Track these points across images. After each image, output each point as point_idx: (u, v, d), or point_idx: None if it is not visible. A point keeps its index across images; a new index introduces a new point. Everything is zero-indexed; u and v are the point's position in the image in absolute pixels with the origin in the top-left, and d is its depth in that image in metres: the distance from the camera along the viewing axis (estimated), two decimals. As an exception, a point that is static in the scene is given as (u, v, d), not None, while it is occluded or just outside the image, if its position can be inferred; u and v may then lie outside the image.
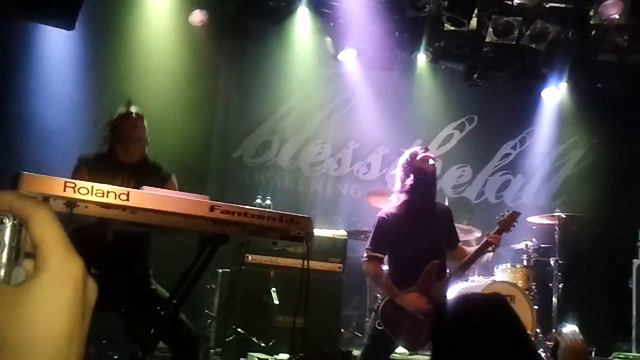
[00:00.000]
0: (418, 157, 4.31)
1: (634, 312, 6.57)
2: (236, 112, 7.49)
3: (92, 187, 2.68)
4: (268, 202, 6.01)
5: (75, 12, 5.82)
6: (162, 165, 3.86)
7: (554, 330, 6.49)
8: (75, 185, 2.68)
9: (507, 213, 4.48)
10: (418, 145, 4.55)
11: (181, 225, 2.84)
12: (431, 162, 4.32)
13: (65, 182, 2.66)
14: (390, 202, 4.56)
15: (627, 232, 6.99)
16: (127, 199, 2.72)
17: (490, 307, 1.73)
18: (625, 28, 7.07)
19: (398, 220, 4.26)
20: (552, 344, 2.17)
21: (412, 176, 4.28)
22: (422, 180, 4.28)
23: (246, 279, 5.49)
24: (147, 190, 2.83)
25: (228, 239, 2.96)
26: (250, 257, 5.49)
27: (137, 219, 2.80)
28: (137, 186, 3.62)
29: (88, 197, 2.68)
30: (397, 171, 4.42)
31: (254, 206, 5.86)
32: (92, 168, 3.64)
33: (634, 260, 6.69)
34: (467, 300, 1.80)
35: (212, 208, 2.85)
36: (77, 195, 2.66)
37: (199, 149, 7.05)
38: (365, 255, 4.29)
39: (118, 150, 3.70)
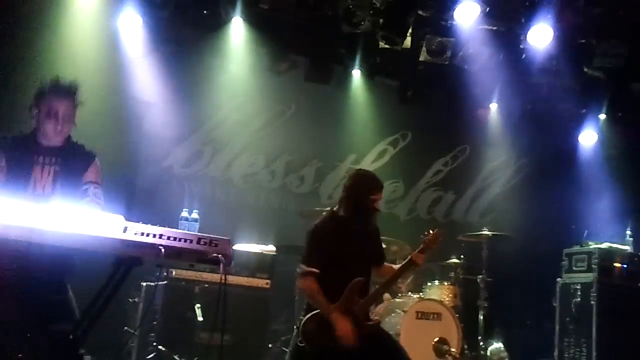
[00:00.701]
0: (370, 197, 4.26)
1: (557, 330, 6.72)
2: (167, 120, 7.29)
3: (-5, 204, 2.53)
4: (195, 215, 5.86)
5: None
6: (85, 145, 3.66)
7: (481, 347, 6.58)
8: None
9: (431, 232, 4.49)
10: (371, 178, 4.39)
11: (92, 247, 2.71)
12: (378, 208, 4.33)
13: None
14: (324, 217, 4.52)
15: (552, 251, 7.15)
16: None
17: None
18: (555, 53, 7.27)
19: (331, 237, 4.23)
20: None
21: (355, 207, 4.26)
22: (364, 212, 4.29)
23: (169, 294, 5.36)
24: (57, 207, 2.69)
25: (142, 261, 2.85)
26: (174, 272, 5.36)
27: (44, 240, 2.65)
28: (60, 170, 3.45)
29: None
30: (349, 189, 4.35)
31: (181, 219, 5.78)
32: (10, 151, 3.42)
33: (558, 280, 6.85)
34: None
35: (125, 229, 2.73)
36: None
37: (128, 157, 6.84)
38: (299, 271, 4.23)
39: (41, 131, 3.48)
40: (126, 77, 6.92)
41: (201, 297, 5.36)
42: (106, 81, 6.67)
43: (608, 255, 6.58)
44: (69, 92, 3.54)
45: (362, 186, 4.32)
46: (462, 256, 7.00)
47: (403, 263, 4.42)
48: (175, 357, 5.15)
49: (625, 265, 6.60)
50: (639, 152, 8.26)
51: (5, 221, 2.52)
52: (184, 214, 5.86)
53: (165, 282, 5.45)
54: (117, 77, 6.83)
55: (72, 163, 3.52)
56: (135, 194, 6.93)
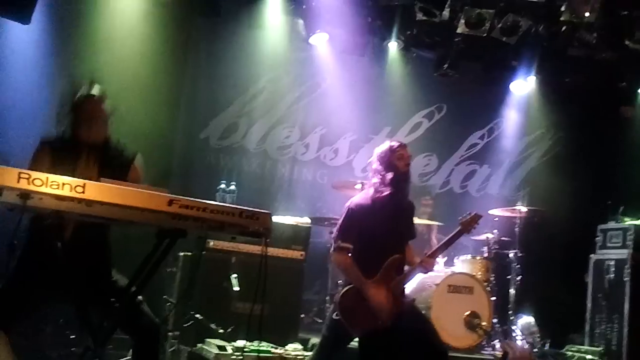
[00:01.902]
0: (397, 155, 4.28)
1: (589, 306, 6.72)
2: (204, 93, 7.38)
3: (47, 178, 2.63)
4: (232, 187, 5.95)
5: (30, 8, 5.99)
6: (126, 146, 3.78)
7: (511, 321, 6.62)
8: (30, 176, 2.62)
9: (469, 215, 4.50)
10: (395, 141, 4.42)
11: (138, 219, 2.80)
12: (409, 163, 4.34)
13: (19, 172, 2.60)
14: (361, 193, 4.57)
15: (586, 227, 7.10)
16: (83, 192, 2.66)
17: None
18: (595, 25, 7.13)
19: (367, 212, 4.27)
20: (501, 353, 2.19)
21: (388, 172, 4.27)
22: (398, 178, 4.29)
23: (207, 265, 5.48)
24: (105, 182, 2.78)
25: (186, 233, 2.94)
26: (211, 243, 5.46)
27: (93, 212, 2.75)
28: (101, 168, 3.59)
29: (42, 189, 2.62)
30: (374, 163, 4.40)
31: (218, 191, 5.88)
32: (55, 150, 3.55)
33: (591, 256, 6.82)
34: None
35: (170, 202, 2.81)
36: (31, 187, 2.60)
37: (165, 129, 6.94)
38: (334, 245, 4.29)
39: (81, 132, 3.61)
40: (162, 49, 6.98)
41: (238, 267, 5.46)
42: (142, 54, 6.78)
43: (644, 232, 6.52)
44: (99, 97, 3.64)
45: (386, 150, 4.33)
46: (495, 231, 6.99)
47: (413, 266, 4.35)
48: (212, 326, 5.28)
49: (661, 242, 6.53)
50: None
51: (56, 192, 2.62)
52: (222, 185, 5.96)
53: (203, 252, 5.57)
54: (152, 50, 6.90)
55: (111, 162, 3.62)
56: (173, 166, 7.06)
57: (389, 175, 4.28)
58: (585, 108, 8.15)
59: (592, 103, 8.10)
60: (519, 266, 6.86)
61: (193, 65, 7.35)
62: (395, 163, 4.28)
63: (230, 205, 3.03)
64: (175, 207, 2.80)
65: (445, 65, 7.85)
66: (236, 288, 5.33)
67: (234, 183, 6.05)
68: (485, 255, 6.79)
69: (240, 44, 7.48)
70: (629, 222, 6.62)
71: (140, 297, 3.30)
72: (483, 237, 6.85)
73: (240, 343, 4.88)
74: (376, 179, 4.35)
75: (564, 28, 7.28)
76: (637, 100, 8.45)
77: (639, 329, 6.19)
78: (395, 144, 4.38)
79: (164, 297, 5.81)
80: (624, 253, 6.46)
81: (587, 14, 6.92)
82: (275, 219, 6.01)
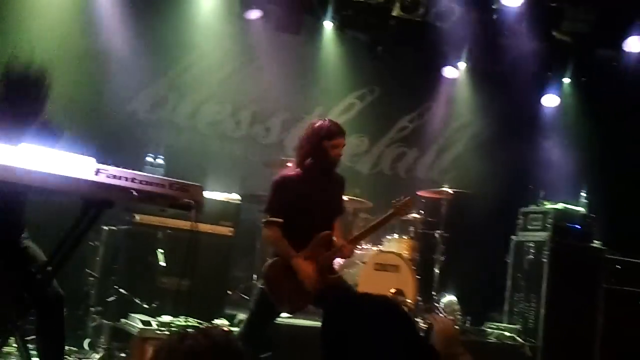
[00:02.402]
0: (333, 143, 4.23)
1: (508, 286, 6.96)
2: (133, 64, 7.13)
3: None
4: (160, 161, 5.83)
5: None
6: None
7: (433, 303, 6.79)
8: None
9: (403, 199, 4.56)
10: (336, 125, 4.34)
11: (63, 188, 2.70)
12: (341, 154, 4.31)
13: None
14: (289, 168, 4.55)
15: (509, 210, 7.35)
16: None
17: (383, 312, 1.75)
18: (525, 15, 7.33)
19: (295, 187, 4.26)
20: (427, 326, 2.23)
21: (317, 154, 4.24)
22: (326, 161, 4.29)
23: (132, 239, 5.37)
24: (28, 147, 2.66)
25: (113, 204, 2.85)
26: (138, 217, 5.34)
27: (10, 178, 2.63)
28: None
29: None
30: (303, 140, 4.35)
31: (146, 165, 5.74)
32: None
33: (512, 237, 7.07)
34: (359, 306, 1.80)
35: (97, 171, 2.72)
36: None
37: (91, 99, 6.73)
38: (263, 220, 4.27)
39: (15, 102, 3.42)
40: (90, 21, 6.78)
41: (164, 242, 5.37)
42: (70, 25, 6.52)
43: (562, 216, 6.79)
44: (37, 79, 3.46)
45: (317, 133, 4.26)
46: (421, 211, 7.15)
47: (331, 250, 4.36)
48: (136, 300, 5.18)
49: (578, 226, 6.83)
50: (599, 117, 8.44)
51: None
52: (149, 159, 5.82)
53: (128, 226, 5.44)
54: (81, 22, 6.69)
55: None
56: (99, 137, 6.82)
57: (318, 159, 4.26)
58: (511, 95, 8.36)
59: (518, 91, 8.33)
60: (443, 246, 7.04)
61: (122, 36, 7.09)
62: (328, 150, 4.25)
63: (160, 176, 2.96)
64: (102, 176, 2.71)
65: (379, 48, 7.92)
66: (162, 263, 5.24)
67: (161, 157, 5.92)
68: (412, 235, 6.94)
69: (171, 16, 7.28)
70: (548, 206, 6.88)
71: (49, 267, 3.17)
72: (410, 217, 6.99)
73: (165, 318, 4.81)
74: (300, 155, 4.33)
75: (495, 16, 7.45)
76: (562, 90, 8.77)
77: (555, 308, 6.47)
78: (335, 130, 4.29)
79: (87, 270, 5.65)
80: (543, 235, 6.72)
81: (518, 3, 7.10)
82: (205, 194, 5.93)
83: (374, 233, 4.59)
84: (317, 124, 4.35)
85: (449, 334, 2.27)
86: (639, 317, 6.80)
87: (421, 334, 2.12)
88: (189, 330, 1.84)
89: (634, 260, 7.12)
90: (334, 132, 4.28)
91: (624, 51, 7.85)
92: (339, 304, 1.84)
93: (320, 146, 4.23)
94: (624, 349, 6.57)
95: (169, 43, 7.35)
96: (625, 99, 8.39)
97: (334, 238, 4.35)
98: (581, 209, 7.01)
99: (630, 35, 7.66)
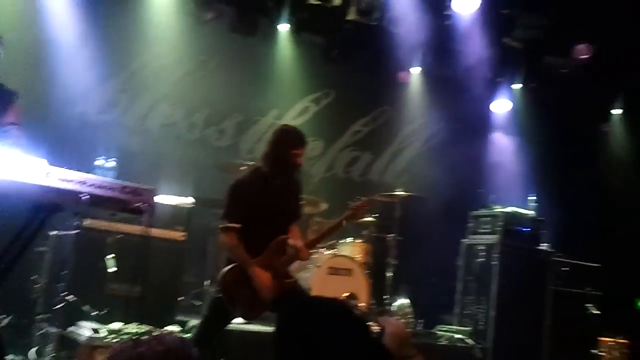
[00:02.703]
0: (295, 154, 4.23)
1: (459, 289, 7.05)
2: (83, 63, 6.97)
3: None
4: (111, 164, 5.69)
5: None
6: (4, 85, 3.50)
7: (384, 306, 6.82)
8: None
9: (359, 200, 4.56)
10: (300, 136, 4.32)
11: (12, 192, 2.61)
12: (302, 164, 4.32)
13: None
14: (247, 172, 4.51)
15: (460, 213, 7.44)
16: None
17: (337, 315, 1.74)
18: (479, 21, 7.46)
19: (252, 191, 4.22)
20: (379, 329, 2.23)
21: (281, 161, 4.24)
22: (289, 169, 4.29)
23: (81, 245, 5.22)
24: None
25: (62, 208, 2.77)
26: (86, 222, 5.20)
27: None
28: None
29: None
30: (270, 146, 4.33)
31: (96, 168, 5.60)
32: None
33: (463, 240, 7.17)
34: (311, 310, 1.78)
35: (47, 174, 2.64)
36: None
37: (37, 98, 6.52)
38: (220, 226, 4.21)
39: None
40: (41, 16, 6.59)
41: (113, 247, 5.24)
42: (20, 20, 6.34)
43: (512, 219, 6.91)
44: None
45: (285, 141, 4.27)
46: (375, 215, 7.18)
47: (289, 254, 4.37)
48: (85, 307, 5.04)
49: (527, 229, 6.97)
50: (548, 123, 8.66)
51: None
52: (99, 162, 5.67)
53: (76, 231, 5.30)
54: (31, 16, 6.49)
55: None
56: (46, 139, 6.62)
57: (281, 166, 4.25)
58: (464, 100, 8.50)
59: (470, 96, 8.47)
60: (396, 250, 7.08)
61: (72, 34, 6.92)
62: (290, 159, 4.25)
63: (111, 180, 2.89)
64: (52, 179, 2.63)
65: (335, 52, 7.95)
66: (112, 269, 5.12)
67: (113, 159, 5.78)
68: (366, 238, 6.96)
69: (123, 15, 7.15)
70: (498, 209, 7.00)
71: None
72: (364, 220, 7.01)
73: (115, 325, 4.70)
74: (265, 162, 4.31)
75: (448, 22, 7.56)
76: (513, 95, 8.96)
77: (505, 309, 6.58)
78: (301, 139, 4.30)
79: (33, 277, 5.48)
80: (493, 238, 6.83)
81: (470, 10, 7.23)
82: (156, 198, 5.83)
83: (330, 236, 4.56)
84: (285, 130, 4.39)
85: (400, 336, 2.27)
86: (585, 318, 6.99)
87: (374, 336, 2.11)
88: (141, 337, 1.79)
89: (580, 262, 7.33)
90: (300, 141, 4.30)
91: (573, 58, 8.07)
92: (293, 308, 1.82)
93: (286, 154, 4.23)
94: (571, 350, 6.73)
95: (121, 42, 7.22)
96: (573, 105, 8.64)
97: (291, 242, 4.33)
98: (530, 213, 7.15)
99: (578, 43, 7.88)
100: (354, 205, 4.55)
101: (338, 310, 1.76)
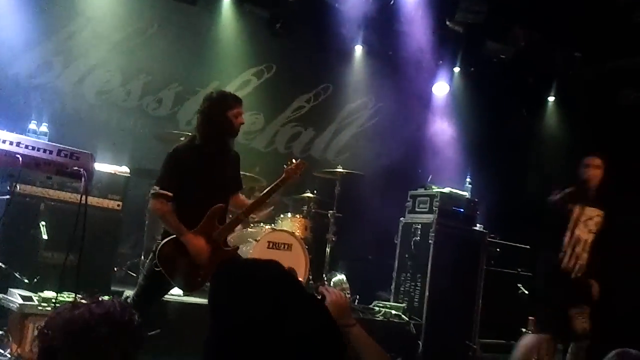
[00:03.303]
0: (235, 112, 4.17)
1: (396, 266, 7.16)
2: (16, 25, 6.64)
3: None
4: (44, 129, 5.47)
5: None
6: None
7: (323, 281, 6.86)
8: None
9: (294, 162, 4.55)
10: (234, 95, 4.30)
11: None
12: (243, 122, 4.26)
13: None
14: (185, 140, 4.43)
15: (399, 193, 7.53)
16: None
17: (273, 275, 1.69)
18: (422, 3, 7.51)
19: (190, 160, 4.16)
20: (319, 297, 2.22)
21: (216, 125, 4.17)
22: (225, 132, 4.21)
23: (12, 210, 5.00)
24: None
25: (-5, 168, 2.65)
26: (19, 187, 4.99)
27: None
28: None
29: None
30: (202, 112, 4.24)
31: (28, 132, 5.37)
32: None
33: (401, 219, 7.26)
34: (245, 271, 1.73)
35: (-23, 133, 2.51)
36: None
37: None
38: (152, 192, 4.12)
39: None
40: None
41: (47, 214, 5.06)
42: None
43: (448, 199, 7.04)
44: None
45: (218, 104, 4.21)
46: (315, 191, 7.20)
47: (269, 187, 4.43)
48: (16, 274, 4.86)
49: (462, 210, 7.12)
50: (485, 106, 8.84)
51: None
52: (32, 126, 5.45)
53: (7, 196, 5.07)
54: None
55: None
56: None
57: (222, 130, 4.18)
58: (405, 81, 8.57)
59: (411, 77, 8.54)
60: (335, 226, 7.12)
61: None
62: (231, 119, 4.19)
63: (48, 142, 2.77)
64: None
65: (278, 25, 7.84)
66: (45, 236, 4.94)
67: (46, 124, 5.56)
68: (305, 214, 6.97)
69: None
70: (435, 189, 7.12)
71: None
72: (304, 196, 7.02)
73: (48, 294, 4.54)
74: (199, 129, 4.23)
75: (392, 1, 7.57)
76: (452, 78, 9.09)
77: (439, 287, 6.72)
78: (234, 99, 4.25)
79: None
80: (429, 218, 6.94)
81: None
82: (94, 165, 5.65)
83: (269, 199, 4.53)
84: (216, 95, 4.30)
85: (341, 304, 2.28)
86: (516, 298, 7.23)
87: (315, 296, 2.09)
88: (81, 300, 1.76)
89: (512, 244, 7.55)
90: (233, 100, 4.25)
91: (511, 43, 8.23)
92: (226, 271, 1.77)
93: (221, 116, 4.15)
94: (501, 328, 6.95)
95: (55, 4, 6.91)
96: (509, 91, 8.85)
97: (231, 209, 4.31)
98: (465, 194, 7.31)
99: (517, 29, 8.04)
100: (290, 167, 4.53)
101: (273, 270, 1.71)
